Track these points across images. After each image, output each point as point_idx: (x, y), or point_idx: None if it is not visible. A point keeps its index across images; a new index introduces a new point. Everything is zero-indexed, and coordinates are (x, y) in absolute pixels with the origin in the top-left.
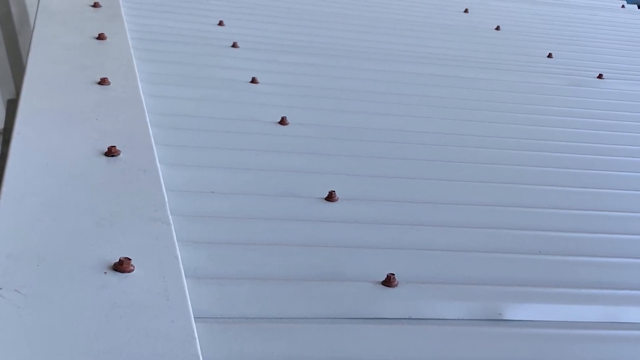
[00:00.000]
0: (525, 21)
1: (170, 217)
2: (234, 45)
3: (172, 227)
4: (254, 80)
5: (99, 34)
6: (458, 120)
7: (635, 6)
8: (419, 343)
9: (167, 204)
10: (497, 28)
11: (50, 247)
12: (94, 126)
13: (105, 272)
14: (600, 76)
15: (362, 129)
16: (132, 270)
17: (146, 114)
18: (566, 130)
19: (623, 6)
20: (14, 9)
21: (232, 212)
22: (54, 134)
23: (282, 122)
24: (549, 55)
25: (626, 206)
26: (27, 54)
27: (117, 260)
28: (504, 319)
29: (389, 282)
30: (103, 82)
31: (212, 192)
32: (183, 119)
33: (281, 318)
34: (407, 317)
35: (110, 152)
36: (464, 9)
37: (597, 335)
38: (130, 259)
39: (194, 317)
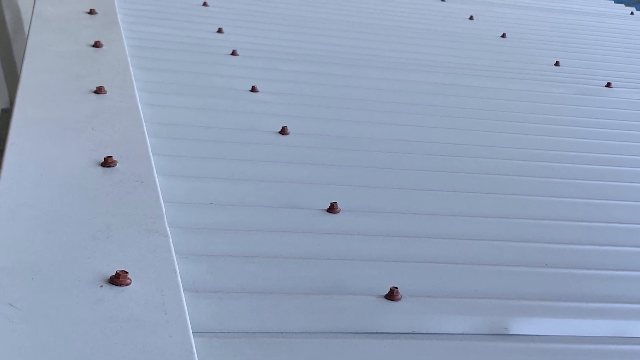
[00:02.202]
0: (531, 28)
1: (168, 229)
2: (234, 53)
3: (170, 240)
4: (253, 89)
5: (95, 42)
6: (463, 130)
7: None
8: (422, 358)
9: (165, 216)
10: (503, 35)
11: (45, 260)
12: (90, 136)
13: (102, 286)
14: (608, 85)
15: (365, 138)
16: (129, 284)
17: (143, 124)
18: (574, 140)
19: (632, 13)
20: (7, 16)
21: (231, 224)
22: (49, 144)
23: (283, 131)
24: (556, 64)
25: (636, 218)
26: (22, 62)
27: (114, 274)
28: (510, 333)
29: (392, 295)
30: (99, 90)
31: (211, 203)
32: (181, 128)
33: (282, 333)
34: (410, 331)
35: (107, 163)
36: (469, 16)
37: (606, 350)
38: (127, 272)
39: (193, 332)
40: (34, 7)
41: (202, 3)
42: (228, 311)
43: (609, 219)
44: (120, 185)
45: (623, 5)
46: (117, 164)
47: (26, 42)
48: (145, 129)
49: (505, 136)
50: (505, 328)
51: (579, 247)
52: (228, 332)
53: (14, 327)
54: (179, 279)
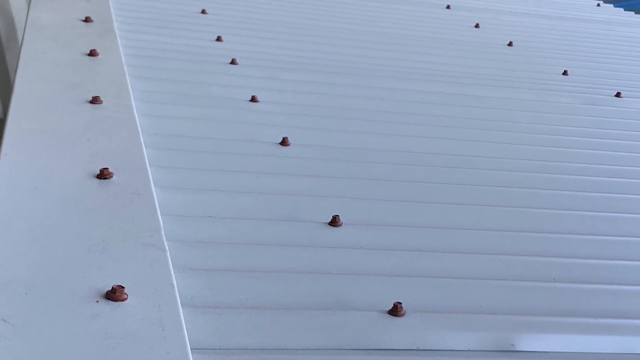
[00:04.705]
0: (539, 37)
1: (165, 242)
2: (233, 62)
3: (168, 254)
4: (253, 99)
5: (91, 50)
6: (468, 141)
7: None
8: None
9: (162, 229)
10: (510, 44)
11: (40, 275)
12: (85, 147)
13: (97, 301)
14: (618, 94)
15: (368, 150)
16: (126, 299)
17: (140, 135)
18: (582, 151)
19: None
20: (0, 24)
21: (230, 238)
22: (44, 155)
23: (283, 142)
24: (564, 73)
25: None
26: (15, 71)
27: (110, 289)
28: (517, 350)
29: (395, 311)
30: (95, 100)
31: (210, 216)
32: (179, 139)
33: (282, 349)
34: (414, 348)
35: (103, 175)
36: (474, 24)
37: None
38: (123, 287)
39: (191, 348)
40: (28, 14)
41: (200, 10)
42: (227, 327)
43: (618, 233)
44: (116, 197)
45: (633, 12)
46: (113, 176)
47: (20, 50)
48: (142, 140)
49: (512, 147)
50: (512, 344)
51: (587, 261)
52: (227, 349)
53: (7, 343)
54: (177, 294)
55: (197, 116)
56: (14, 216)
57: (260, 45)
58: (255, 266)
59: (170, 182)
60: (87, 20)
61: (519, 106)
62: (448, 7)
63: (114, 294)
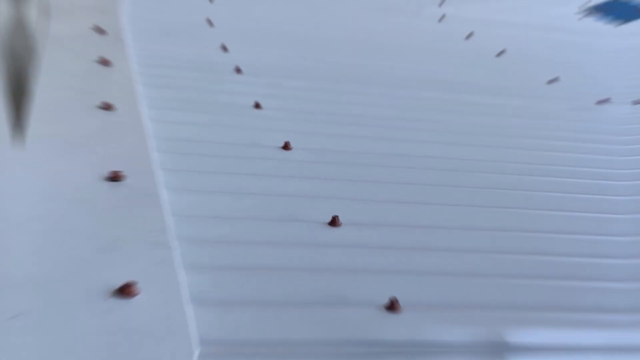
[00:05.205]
0: (530, 46)
1: (174, 241)
2: (238, 71)
3: (176, 252)
4: (257, 105)
5: (103, 59)
6: (462, 145)
7: None
8: None
9: (171, 229)
10: (502, 53)
11: (53, 273)
12: (97, 151)
13: (109, 298)
14: (604, 101)
15: (366, 153)
16: (136, 296)
17: (150, 139)
18: (571, 155)
19: None
20: (20, 36)
21: (235, 237)
22: (57, 159)
23: (286, 146)
24: (553, 80)
25: (632, 230)
26: (33, 79)
27: (121, 286)
28: (508, 343)
29: (392, 307)
30: (107, 107)
31: (216, 216)
32: (187, 143)
33: (285, 342)
34: (410, 342)
35: (114, 177)
36: (467, 34)
37: None
38: (133, 284)
39: (198, 342)
40: (45, 26)
41: (207, 22)
42: (232, 322)
43: (603, 232)
44: (127, 199)
45: (612, 25)
46: (124, 179)
47: (38, 60)
48: (151, 144)
49: (504, 151)
50: (503, 338)
51: (574, 259)
52: (232, 342)
53: (23, 339)
54: (185, 290)
55: (204, 122)
56: (30, 217)
57: (263, 55)
58: (259, 264)
59: (178, 184)
60: (100, 31)
61: (511, 112)
62: (443, 17)
63: (125, 291)
